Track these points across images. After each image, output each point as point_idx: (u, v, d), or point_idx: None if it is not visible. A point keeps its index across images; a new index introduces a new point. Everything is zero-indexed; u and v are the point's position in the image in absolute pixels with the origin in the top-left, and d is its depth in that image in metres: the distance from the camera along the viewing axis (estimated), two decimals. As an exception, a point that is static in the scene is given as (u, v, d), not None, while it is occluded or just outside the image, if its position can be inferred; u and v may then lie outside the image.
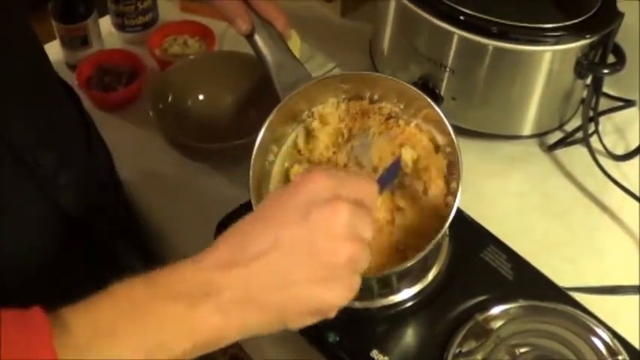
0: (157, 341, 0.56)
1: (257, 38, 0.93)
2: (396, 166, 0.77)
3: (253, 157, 0.85)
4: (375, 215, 0.70)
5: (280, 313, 0.59)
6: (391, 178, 0.76)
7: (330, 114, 0.92)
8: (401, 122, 0.90)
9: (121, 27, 1.35)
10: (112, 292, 0.56)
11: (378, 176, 0.74)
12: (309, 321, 0.61)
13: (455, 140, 0.84)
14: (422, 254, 0.81)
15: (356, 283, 0.62)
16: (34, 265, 0.82)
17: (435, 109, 0.85)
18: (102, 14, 1.34)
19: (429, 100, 0.85)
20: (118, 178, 1.08)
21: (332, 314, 0.62)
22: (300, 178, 0.62)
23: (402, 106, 0.90)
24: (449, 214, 0.81)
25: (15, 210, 0.79)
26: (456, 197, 0.82)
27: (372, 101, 0.91)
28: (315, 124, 0.92)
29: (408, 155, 0.88)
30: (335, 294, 0.60)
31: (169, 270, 0.58)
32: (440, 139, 0.88)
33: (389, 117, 0.91)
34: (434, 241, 0.81)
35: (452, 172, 0.87)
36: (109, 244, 0.99)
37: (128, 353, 0.55)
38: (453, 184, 0.86)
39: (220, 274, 0.58)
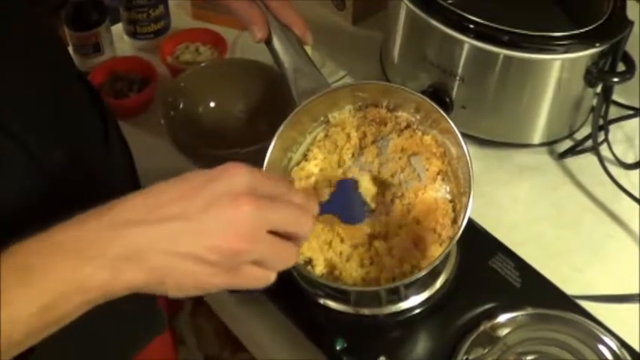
0: (49, 298, 0.57)
1: (275, 43, 0.92)
2: (342, 190, 0.83)
3: (266, 162, 0.86)
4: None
5: (162, 279, 0.61)
6: (338, 203, 0.81)
7: (346, 120, 0.92)
8: (418, 132, 0.90)
9: (133, 34, 1.36)
10: (15, 248, 0.58)
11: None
12: (189, 294, 0.63)
13: (466, 151, 0.83)
14: (428, 268, 0.82)
15: (248, 274, 0.64)
16: None
17: (447, 121, 0.85)
18: (114, 21, 1.35)
19: (441, 111, 0.85)
20: (139, 183, 1.08)
21: (212, 291, 0.64)
22: (222, 168, 0.64)
23: (418, 117, 0.90)
24: (460, 226, 0.82)
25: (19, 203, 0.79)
26: (467, 209, 0.82)
27: (388, 109, 0.91)
28: (333, 129, 0.92)
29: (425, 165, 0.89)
30: (215, 278, 0.62)
31: (74, 224, 0.60)
32: (454, 151, 0.87)
33: (407, 126, 0.91)
34: (443, 252, 0.82)
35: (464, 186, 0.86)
36: None
37: (21, 310, 0.56)
38: (464, 198, 0.85)
39: (115, 232, 0.59)
